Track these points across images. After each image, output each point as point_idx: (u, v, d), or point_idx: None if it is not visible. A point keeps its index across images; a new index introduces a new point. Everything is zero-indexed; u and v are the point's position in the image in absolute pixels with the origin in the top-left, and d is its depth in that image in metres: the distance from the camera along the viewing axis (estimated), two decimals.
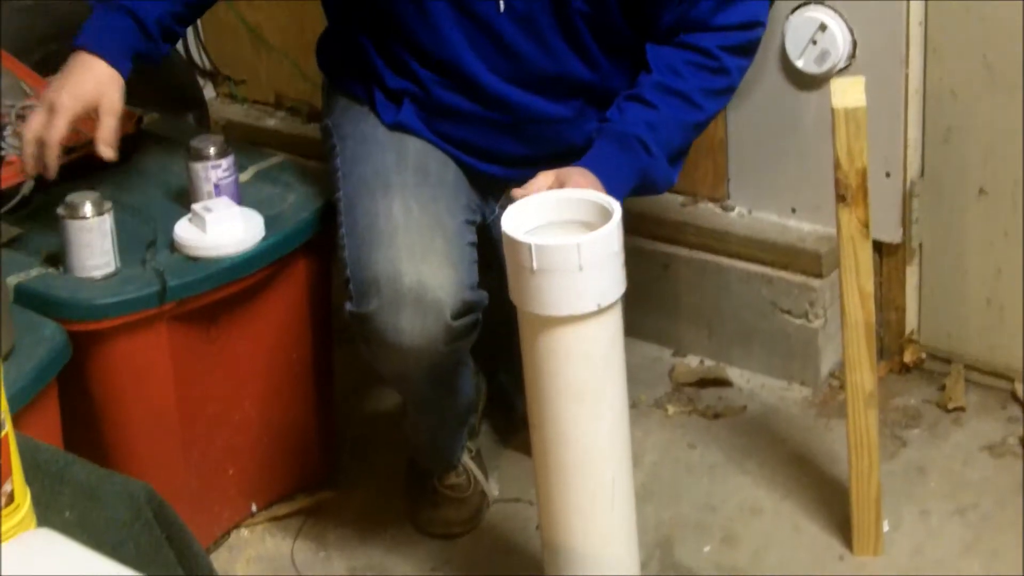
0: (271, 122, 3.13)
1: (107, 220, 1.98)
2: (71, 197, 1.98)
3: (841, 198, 1.88)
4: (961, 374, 2.40)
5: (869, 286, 1.93)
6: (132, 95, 2.78)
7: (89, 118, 2.02)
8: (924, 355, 2.45)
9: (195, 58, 3.23)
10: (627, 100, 1.98)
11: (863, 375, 1.98)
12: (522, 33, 1.97)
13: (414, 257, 1.91)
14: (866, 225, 1.88)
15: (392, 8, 2.01)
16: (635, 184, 1.95)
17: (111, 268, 1.99)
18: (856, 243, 1.90)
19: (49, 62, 2.71)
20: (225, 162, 2.10)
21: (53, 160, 1.99)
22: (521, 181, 1.98)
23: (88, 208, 1.97)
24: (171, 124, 2.50)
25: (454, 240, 1.98)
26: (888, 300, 2.43)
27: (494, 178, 2.11)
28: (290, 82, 3.10)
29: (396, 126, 2.07)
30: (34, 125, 1.97)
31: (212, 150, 2.10)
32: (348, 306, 1.94)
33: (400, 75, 2.06)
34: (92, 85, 2.01)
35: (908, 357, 2.44)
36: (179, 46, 3.13)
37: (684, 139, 2.02)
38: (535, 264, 1.67)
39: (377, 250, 1.93)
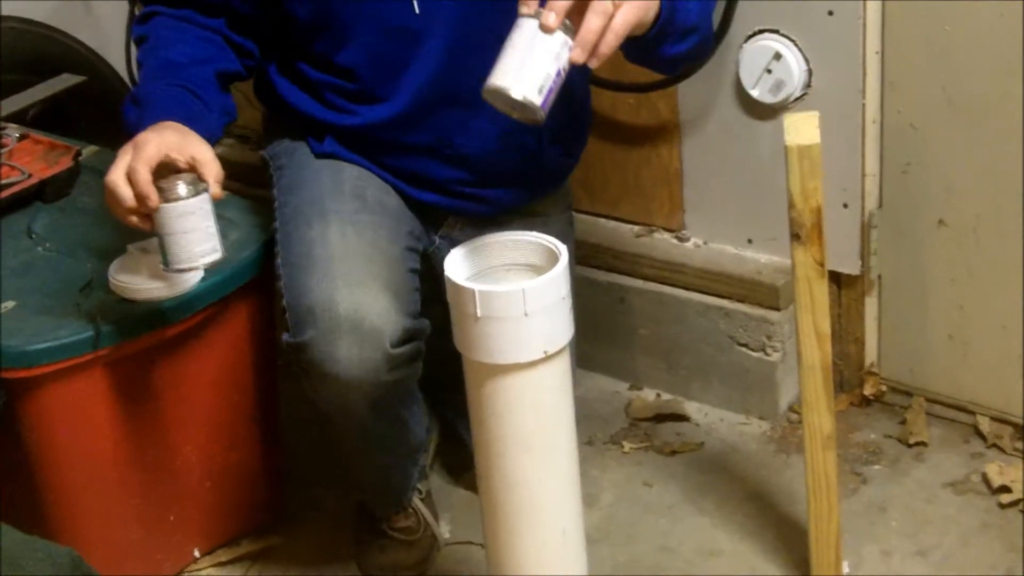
0: (219, 149, 3.04)
1: (206, 199, 1.77)
2: (161, 182, 1.74)
3: (796, 237, 1.82)
4: (923, 407, 2.36)
5: (826, 326, 1.88)
6: (72, 123, 2.76)
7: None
8: (885, 388, 2.40)
9: None
10: None
11: (821, 417, 1.93)
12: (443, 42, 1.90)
13: (350, 284, 1.83)
14: (822, 264, 1.83)
15: (308, 32, 1.95)
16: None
17: (218, 254, 1.79)
18: (812, 283, 1.85)
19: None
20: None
21: (147, 181, 1.73)
22: (464, 211, 1.93)
23: (183, 188, 1.75)
24: (112, 157, 2.41)
25: (394, 266, 1.91)
26: (847, 332, 2.38)
27: (433, 207, 2.05)
28: (239, 109, 3.03)
29: (325, 155, 2.02)
30: (119, 164, 1.76)
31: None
32: (285, 336, 1.87)
33: (320, 103, 2.01)
34: (172, 131, 1.79)
35: (868, 390, 2.40)
36: (124, 73, 3.07)
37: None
38: (479, 311, 1.62)
39: (312, 277, 1.86)
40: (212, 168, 1.78)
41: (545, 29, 1.53)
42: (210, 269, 1.86)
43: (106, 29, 3.05)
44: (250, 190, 2.45)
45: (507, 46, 1.55)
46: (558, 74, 1.55)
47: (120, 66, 3.04)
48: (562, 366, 1.70)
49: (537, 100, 1.54)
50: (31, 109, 2.69)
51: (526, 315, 1.61)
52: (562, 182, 2.17)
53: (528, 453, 1.71)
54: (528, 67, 1.53)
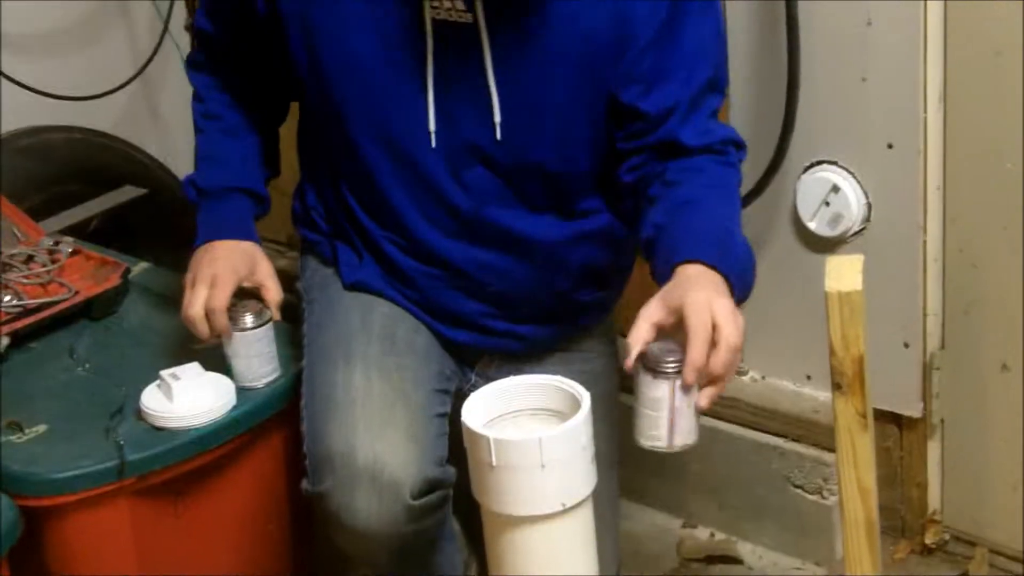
0: (282, 263, 3.05)
1: (270, 327, 1.96)
2: (231, 311, 1.94)
3: (836, 386, 1.74)
4: (985, 558, 2.26)
5: (869, 480, 1.78)
6: (133, 236, 2.76)
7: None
8: (947, 536, 2.30)
9: None
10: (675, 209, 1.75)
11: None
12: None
13: (371, 432, 1.79)
14: (864, 415, 1.74)
15: (335, 154, 1.95)
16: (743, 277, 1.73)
17: (278, 373, 1.99)
18: (854, 435, 1.76)
19: (49, 206, 2.68)
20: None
21: (225, 323, 1.92)
22: (498, 349, 1.88)
23: (250, 319, 1.94)
24: (162, 275, 2.41)
25: (418, 412, 1.86)
26: (909, 476, 2.29)
27: (466, 345, 2.00)
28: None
29: (357, 286, 1.99)
30: (198, 299, 1.91)
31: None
32: (304, 484, 1.83)
33: (355, 230, 1.99)
34: (240, 257, 1.98)
35: (930, 538, 2.30)
36: None
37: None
38: (494, 459, 1.55)
39: (332, 424, 1.82)
40: (275, 296, 1.98)
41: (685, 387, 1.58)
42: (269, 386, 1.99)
43: (173, 139, 3.07)
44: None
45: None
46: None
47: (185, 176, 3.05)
48: (582, 519, 1.62)
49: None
50: (91, 221, 2.70)
51: (543, 466, 1.55)
52: (601, 317, 2.11)
53: None
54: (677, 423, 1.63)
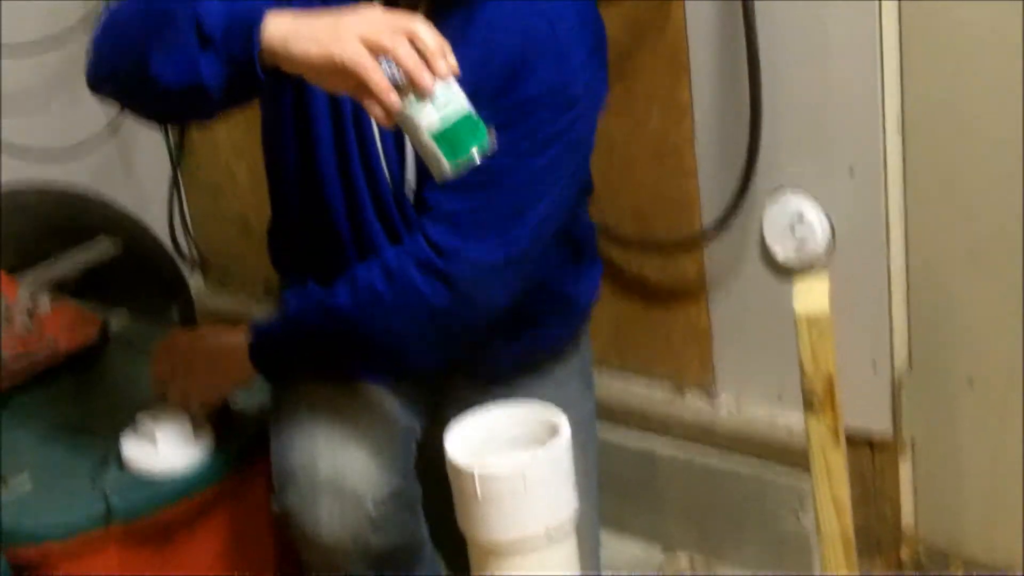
0: (258, 310, 3.07)
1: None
2: None
3: (809, 405, 1.78)
4: (960, 571, 2.28)
5: (844, 496, 1.82)
6: (109, 288, 2.78)
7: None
8: (921, 551, 2.33)
9: (182, 247, 3.20)
10: None
11: None
12: None
13: (332, 445, 1.81)
14: (836, 433, 1.79)
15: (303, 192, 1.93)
16: None
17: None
18: (827, 452, 1.80)
19: (26, 261, 2.70)
20: None
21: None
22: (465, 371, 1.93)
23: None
24: (141, 327, 2.43)
25: (381, 425, 1.88)
26: (882, 494, 2.32)
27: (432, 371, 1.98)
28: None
29: None
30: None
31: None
32: (272, 505, 1.86)
33: (325, 264, 1.96)
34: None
35: (905, 554, 2.33)
36: (165, 236, 3.11)
37: None
38: (478, 487, 1.59)
39: (296, 439, 1.84)
40: None
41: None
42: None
43: (146, 191, 3.10)
44: None
45: None
46: None
47: (160, 228, 3.08)
48: (567, 543, 1.66)
49: None
50: (68, 276, 2.72)
51: (526, 490, 1.58)
52: (567, 337, 2.09)
53: None
54: None
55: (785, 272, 2.26)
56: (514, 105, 1.72)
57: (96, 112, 2.87)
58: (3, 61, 2.77)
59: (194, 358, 1.96)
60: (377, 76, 1.50)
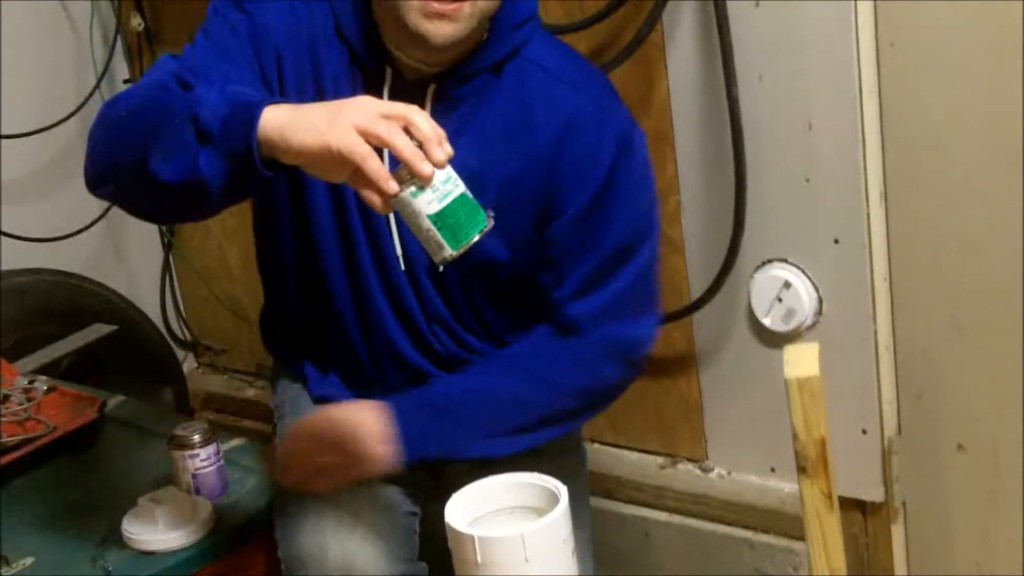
0: (251, 392, 3.09)
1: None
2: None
3: (801, 470, 1.80)
4: None
5: (839, 562, 1.84)
6: (105, 372, 2.80)
7: None
8: None
9: (175, 330, 3.22)
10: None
11: None
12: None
13: (340, 532, 1.84)
14: (830, 497, 1.81)
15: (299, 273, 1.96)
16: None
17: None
18: (821, 516, 1.81)
19: (22, 346, 2.72)
20: (205, 451, 2.06)
21: None
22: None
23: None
24: (137, 407, 2.45)
25: (385, 512, 1.90)
26: (876, 561, 2.34)
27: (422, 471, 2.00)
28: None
29: (324, 399, 2.00)
30: None
31: (196, 438, 2.07)
32: None
33: (319, 344, 2.01)
34: None
35: None
36: (158, 320, 3.13)
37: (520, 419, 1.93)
38: (479, 557, 1.60)
39: (303, 526, 1.86)
40: None
41: None
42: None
43: (138, 276, 3.13)
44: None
45: None
46: None
47: (153, 312, 3.10)
48: None
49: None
50: (64, 360, 2.75)
51: (527, 560, 1.60)
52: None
53: None
54: None
55: (773, 341, 2.29)
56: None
57: (89, 200, 2.90)
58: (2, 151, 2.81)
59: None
60: (375, 164, 1.50)
